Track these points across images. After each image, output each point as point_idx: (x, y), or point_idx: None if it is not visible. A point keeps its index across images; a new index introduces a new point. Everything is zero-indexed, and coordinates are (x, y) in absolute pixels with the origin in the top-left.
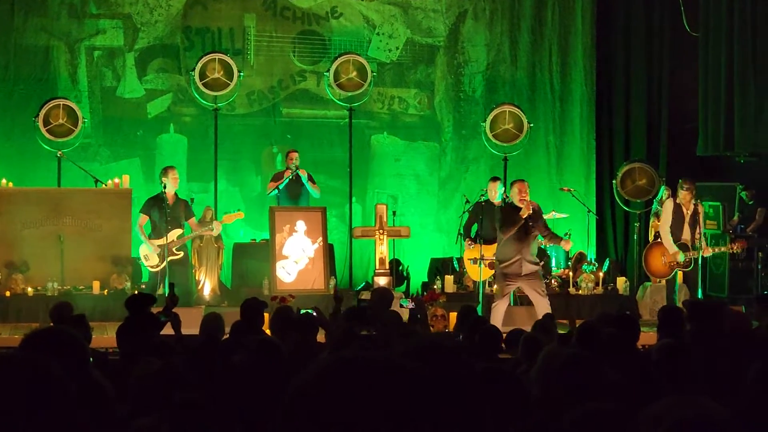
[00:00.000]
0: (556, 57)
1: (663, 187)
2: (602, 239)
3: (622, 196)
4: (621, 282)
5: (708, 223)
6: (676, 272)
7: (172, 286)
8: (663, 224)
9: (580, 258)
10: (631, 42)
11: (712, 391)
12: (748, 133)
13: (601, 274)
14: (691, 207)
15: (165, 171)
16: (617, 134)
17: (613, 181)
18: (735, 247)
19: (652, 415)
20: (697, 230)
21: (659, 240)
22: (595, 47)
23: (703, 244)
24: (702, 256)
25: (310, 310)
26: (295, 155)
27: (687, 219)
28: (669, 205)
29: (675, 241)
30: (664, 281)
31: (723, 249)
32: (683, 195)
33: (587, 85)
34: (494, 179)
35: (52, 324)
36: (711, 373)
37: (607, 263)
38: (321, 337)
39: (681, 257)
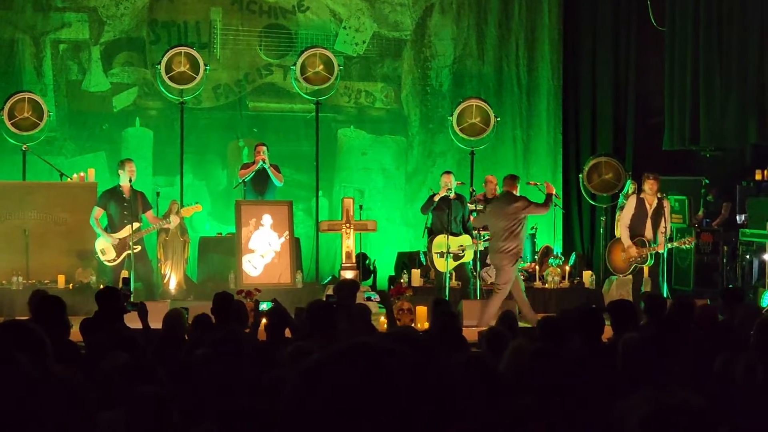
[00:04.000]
0: (523, 51)
1: (629, 182)
2: (569, 233)
3: (589, 190)
4: (587, 276)
5: (674, 217)
6: (641, 267)
7: (125, 280)
8: (622, 219)
9: (547, 252)
10: (597, 36)
11: (679, 383)
12: (713, 128)
13: (567, 268)
14: (655, 202)
15: (122, 163)
16: (584, 128)
17: (580, 175)
18: (687, 242)
19: (632, 407)
20: (661, 226)
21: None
22: (562, 41)
23: (661, 239)
24: (659, 252)
25: (269, 303)
26: (263, 149)
27: (650, 214)
28: (632, 201)
29: (634, 237)
30: (630, 275)
31: (676, 244)
32: (648, 186)
33: (554, 79)
34: (448, 172)
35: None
36: (679, 365)
37: (573, 257)
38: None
39: (634, 252)
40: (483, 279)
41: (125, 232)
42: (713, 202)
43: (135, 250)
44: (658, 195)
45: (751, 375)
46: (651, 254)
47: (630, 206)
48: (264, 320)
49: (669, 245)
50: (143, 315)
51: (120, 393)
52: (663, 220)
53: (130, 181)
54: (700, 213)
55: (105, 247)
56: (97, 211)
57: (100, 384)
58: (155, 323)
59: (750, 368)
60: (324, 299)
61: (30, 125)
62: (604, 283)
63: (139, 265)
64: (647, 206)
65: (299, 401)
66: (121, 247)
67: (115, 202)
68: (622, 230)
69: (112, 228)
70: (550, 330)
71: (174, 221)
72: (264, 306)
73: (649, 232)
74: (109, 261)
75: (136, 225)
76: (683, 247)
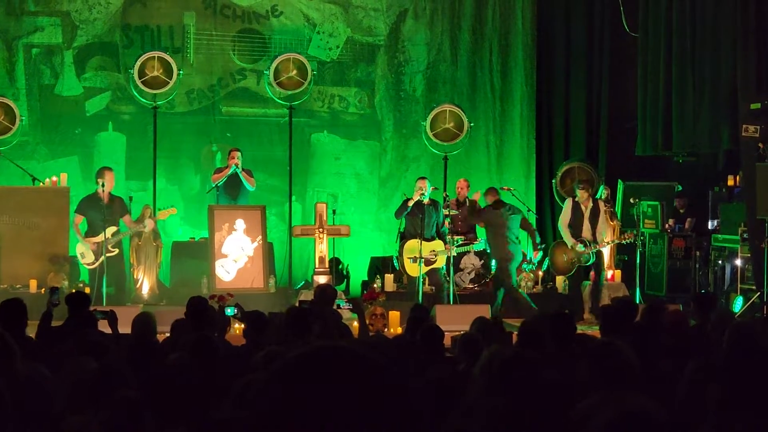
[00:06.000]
0: (497, 56)
1: (602, 186)
2: (542, 238)
3: (562, 195)
4: (560, 281)
5: (646, 223)
6: (601, 274)
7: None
8: (561, 221)
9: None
10: (571, 42)
11: (649, 389)
12: (686, 133)
13: (540, 273)
14: (591, 204)
15: (102, 172)
16: (557, 134)
17: (553, 180)
18: (626, 237)
19: (584, 412)
20: (598, 227)
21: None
22: (536, 47)
23: (599, 238)
24: (601, 249)
25: (232, 308)
26: (237, 154)
27: (586, 216)
28: (568, 204)
29: (575, 238)
30: (605, 281)
31: (616, 240)
32: (579, 194)
33: (527, 85)
34: (423, 178)
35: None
36: (649, 371)
37: (546, 262)
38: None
39: (573, 254)
40: (456, 284)
41: (101, 236)
42: (682, 213)
43: (112, 254)
44: (591, 199)
45: (722, 380)
46: (592, 253)
47: (567, 209)
48: (237, 325)
49: (608, 242)
50: (113, 323)
51: (90, 398)
52: (604, 222)
53: (103, 186)
54: (671, 221)
55: (83, 251)
56: (77, 218)
57: (70, 388)
58: (128, 328)
59: (720, 374)
60: (297, 305)
61: (2, 130)
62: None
63: (115, 268)
64: (582, 209)
65: (268, 402)
66: (98, 250)
67: (93, 208)
68: (563, 230)
69: (92, 232)
70: (529, 335)
71: (149, 225)
72: (229, 311)
73: (587, 233)
74: (88, 264)
75: (112, 229)
76: (623, 242)
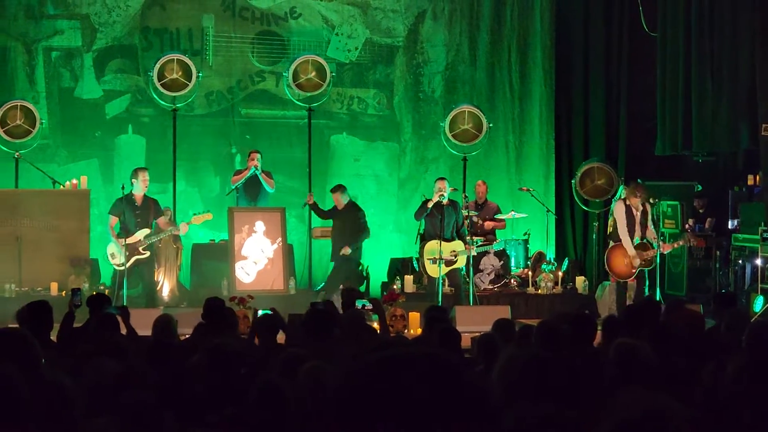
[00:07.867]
0: (515, 57)
1: (622, 187)
2: (561, 239)
3: (581, 195)
4: (580, 281)
5: (666, 222)
6: (645, 271)
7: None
8: (620, 227)
9: (540, 257)
10: (589, 42)
11: (667, 390)
12: (705, 133)
13: (560, 274)
14: (640, 207)
15: (135, 173)
16: (576, 134)
17: (572, 181)
18: (692, 242)
19: (612, 410)
20: (648, 228)
21: (620, 242)
22: (554, 47)
23: (660, 241)
24: (661, 254)
25: (267, 311)
26: (257, 155)
27: (638, 219)
28: (621, 207)
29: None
30: (628, 280)
31: (681, 242)
32: (633, 201)
33: (546, 85)
34: (442, 178)
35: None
36: (667, 372)
37: (566, 263)
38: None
39: (637, 262)
40: (476, 285)
41: (135, 238)
42: (702, 213)
43: (143, 256)
44: (650, 201)
45: (739, 380)
46: (654, 256)
47: (621, 213)
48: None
49: (674, 246)
50: (125, 318)
51: (111, 400)
52: (651, 223)
53: (141, 189)
54: (691, 221)
55: (115, 252)
56: (112, 219)
57: (88, 391)
58: (149, 330)
59: (738, 373)
60: (310, 306)
61: (22, 133)
62: (596, 288)
63: (145, 272)
64: (634, 212)
65: (349, 397)
66: (130, 252)
67: (128, 209)
68: (624, 237)
69: (124, 234)
70: (548, 335)
71: (183, 229)
72: (260, 313)
73: (639, 235)
74: (118, 265)
75: (145, 231)
76: (687, 245)
